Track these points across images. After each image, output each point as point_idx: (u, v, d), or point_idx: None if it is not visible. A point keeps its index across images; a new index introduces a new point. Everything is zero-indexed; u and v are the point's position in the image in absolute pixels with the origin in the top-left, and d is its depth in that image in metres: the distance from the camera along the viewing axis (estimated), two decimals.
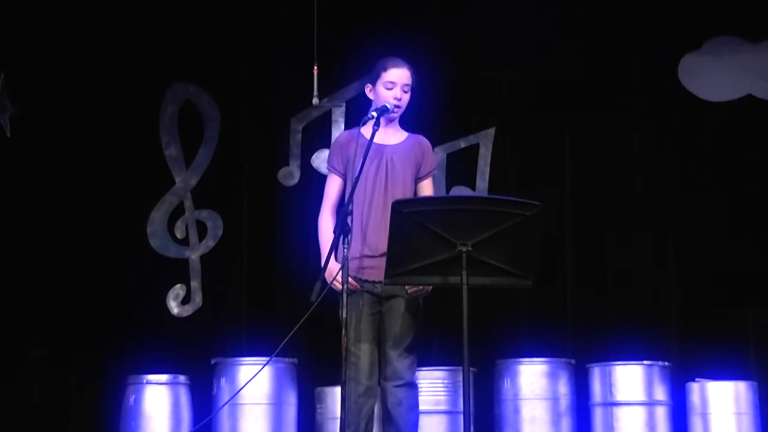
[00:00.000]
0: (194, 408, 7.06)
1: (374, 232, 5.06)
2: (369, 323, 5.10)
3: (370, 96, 5.28)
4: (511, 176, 7.85)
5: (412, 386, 5.13)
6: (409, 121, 5.41)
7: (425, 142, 5.34)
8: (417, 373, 5.36)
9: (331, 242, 4.92)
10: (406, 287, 5.06)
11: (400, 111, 5.25)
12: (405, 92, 5.22)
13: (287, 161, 7.94)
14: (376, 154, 5.15)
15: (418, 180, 5.26)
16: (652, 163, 7.75)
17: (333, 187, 5.24)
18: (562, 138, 7.83)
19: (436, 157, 5.45)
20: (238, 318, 7.76)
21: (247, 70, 7.90)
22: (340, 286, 4.89)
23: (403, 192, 5.16)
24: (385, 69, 5.23)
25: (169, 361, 7.28)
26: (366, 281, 5.09)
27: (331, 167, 5.27)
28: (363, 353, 5.07)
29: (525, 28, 7.71)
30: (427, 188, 5.28)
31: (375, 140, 5.13)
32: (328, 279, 4.92)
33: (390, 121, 5.24)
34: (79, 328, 7.65)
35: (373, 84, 5.25)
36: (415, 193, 5.24)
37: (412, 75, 5.25)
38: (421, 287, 5.07)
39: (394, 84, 5.20)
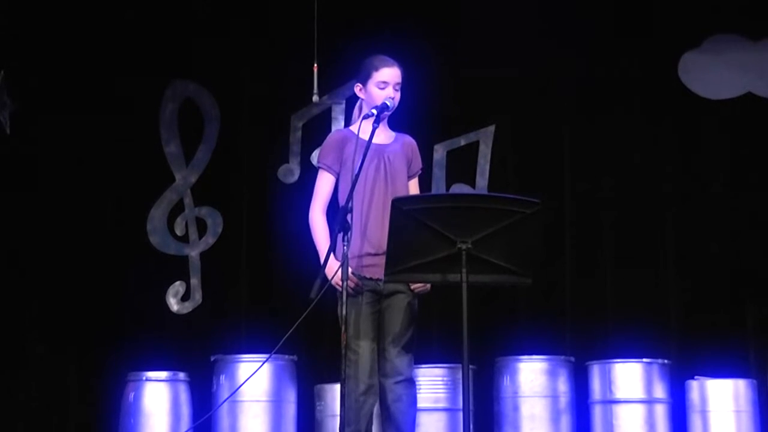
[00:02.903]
0: (194, 405, 7.06)
1: (376, 230, 5.05)
2: (370, 321, 5.10)
3: (361, 95, 5.27)
4: (511, 174, 7.85)
5: (411, 383, 5.12)
6: (408, 118, 5.41)
7: (412, 141, 5.36)
8: (416, 370, 5.37)
9: (331, 240, 4.94)
10: (410, 284, 5.06)
11: (393, 109, 5.25)
12: (397, 90, 5.22)
13: (287, 158, 7.94)
14: (375, 153, 5.16)
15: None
16: (652, 161, 7.74)
17: (325, 184, 5.22)
18: (562, 135, 7.82)
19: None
20: (238, 315, 7.76)
21: (247, 68, 7.91)
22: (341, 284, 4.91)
23: (402, 190, 5.17)
24: (376, 69, 5.21)
25: (168, 358, 7.28)
26: (369, 279, 5.09)
27: (325, 165, 5.25)
28: (364, 351, 5.06)
29: (525, 25, 7.71)
30: (414, 188, 5.30)
31: (365, 139, 5.14)
32: (329, 276, 4.93)
33: (381, 120, 5.24)
34: (79, 325, 7.65)
35: (364, 83, 5.24)
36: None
37: (402, 73, 5.25)
38: (424, 285, 5.07)
39: (386, 84, 5.19)
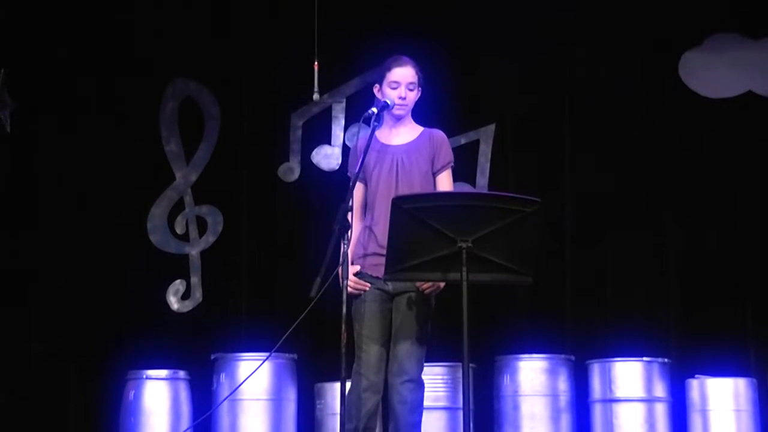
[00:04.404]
0: (194, 403, 7.07)
1: (385, 230, 5.02)
2: (379, 320, 5.10)
3: (379, 96, 5.26)
4: (511, 173, 7.85)
5: (418, 385, 5.08)
6: (412, 116, 5.41)
7: (438, 134, 5.29)
8: None
9: (333, 240, 4.91)
10: (418, 284, 5.06)
11: (407, 108, 5.24)
12: (410, 90, 5.21)
13: (287, 157, 7.94)
14: (381, 154, 5.17)
15: (434, 174, 5.24)
16: (652, 160, 7.74)
17: (356, 193, 5.21)
18: (562, 134, 7.83)
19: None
20: (238, 313, 7.77)
21: (248, 67, 7.90)
22: (350, 288, 4.92)
23: (423, 187, 5.14)
24: (389, 69, 5.23)
25: (168, 357, 7.28)
26: (377, 278, 5.07)
27: (352, 174, 5.28)
28: (372, 349, 5.06)
29: (525, 24, 7.71)
30: (443, 182, 5.22)
31: (382, 140, 5.16)
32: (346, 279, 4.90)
33: (398, 119, 5.23)
34: (80, 324, 7.65)
35: (380, 84, 5.26)
36: (435, 188, 5.22)
37: (417, 72, 5.25)
38: (434, 284, 5.05)
39: (398, 84, 5.20)
